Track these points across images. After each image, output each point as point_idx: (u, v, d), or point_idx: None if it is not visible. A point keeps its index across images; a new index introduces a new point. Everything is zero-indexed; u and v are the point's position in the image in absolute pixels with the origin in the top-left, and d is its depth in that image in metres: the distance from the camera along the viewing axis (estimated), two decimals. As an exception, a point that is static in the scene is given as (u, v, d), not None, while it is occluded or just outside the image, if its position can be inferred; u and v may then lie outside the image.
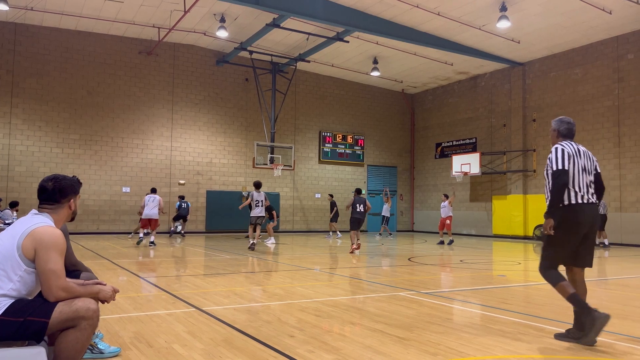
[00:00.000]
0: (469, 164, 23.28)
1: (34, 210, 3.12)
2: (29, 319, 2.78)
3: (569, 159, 4.42)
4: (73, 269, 3.74)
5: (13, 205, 15.92)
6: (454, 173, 23.95)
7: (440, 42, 20.09)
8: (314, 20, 18.01)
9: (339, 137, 26.12)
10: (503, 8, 16.71)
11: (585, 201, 4.42)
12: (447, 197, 18.12)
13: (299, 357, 3.84)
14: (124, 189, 21.23)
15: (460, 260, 11.88)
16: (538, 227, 21.02)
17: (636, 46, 18.42)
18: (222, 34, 19.47)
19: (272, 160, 22.28)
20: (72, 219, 3.30)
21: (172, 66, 22.51)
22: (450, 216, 17.81)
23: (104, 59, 21.20)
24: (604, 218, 16.56)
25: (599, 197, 4.60)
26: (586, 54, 19.96)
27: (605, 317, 4.12)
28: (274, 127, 23.33)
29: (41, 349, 2.83)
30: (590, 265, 4.55)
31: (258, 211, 14.18)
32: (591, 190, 4.51)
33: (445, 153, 26.18)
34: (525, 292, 7.47)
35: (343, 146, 26.23)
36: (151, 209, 14.64)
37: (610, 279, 8.95)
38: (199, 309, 5.64)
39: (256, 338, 4.38)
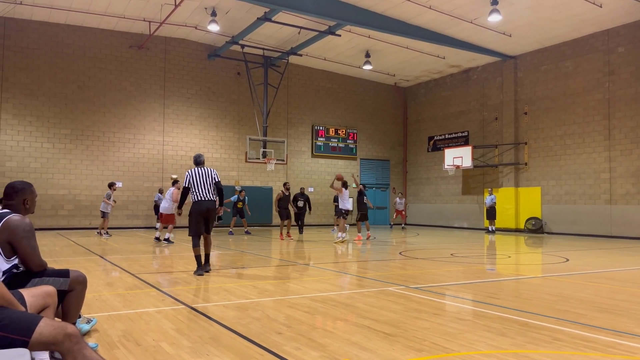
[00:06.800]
0: (461, 157, 23.35)
1: None
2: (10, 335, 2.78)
3: (191, 179, 8.08)
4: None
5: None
6: (446, 166, 24.04)
7: (432, 35, 20.08)
8: (306, 13, 17.94)
9: (331, 130, 26.12)
10: (494, 1, 16.71)
11: (203, 199, 8.03)
12: None
13: (285, 354, 3.87)
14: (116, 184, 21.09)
15: (451, 254, 11.95)
16: (530, 219, 21.18)
17: (626, 39, 18.49)
18: (214, 27, 19.38)
19: (264, 155, 22.24)
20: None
21: (164, 60, 22.38)
22: None
23: (94, 53, 21.05)
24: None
25: (220, 196, 8.18)
26: (577, 47, 20.02)
27: (200, 274, 7.90)
28: (267, 121, 23.27)
29: (25, 350, 2.84)
30: (209, 233, 8.25)
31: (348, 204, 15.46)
32: (210, 192, 8.08)
33: (437, 146, 26.25)
34: (515, 286, 7.54)
35: (336, 140, 26.24)
36: None
37: (599, 272, 9.04)
38: (188, 306, 5.66)
39: (244, 335, 4.41)
